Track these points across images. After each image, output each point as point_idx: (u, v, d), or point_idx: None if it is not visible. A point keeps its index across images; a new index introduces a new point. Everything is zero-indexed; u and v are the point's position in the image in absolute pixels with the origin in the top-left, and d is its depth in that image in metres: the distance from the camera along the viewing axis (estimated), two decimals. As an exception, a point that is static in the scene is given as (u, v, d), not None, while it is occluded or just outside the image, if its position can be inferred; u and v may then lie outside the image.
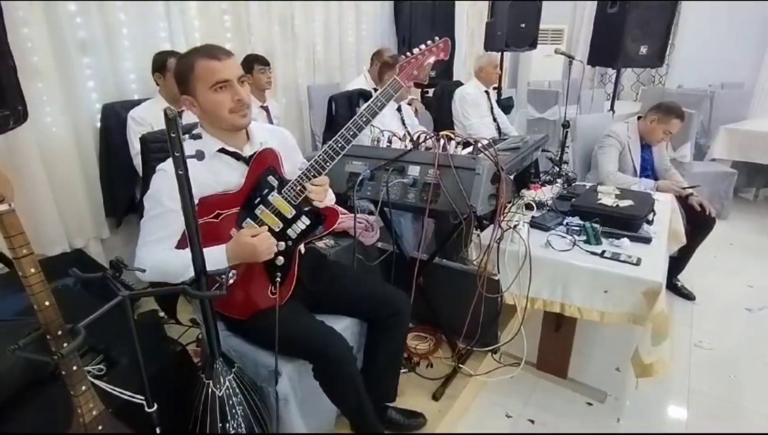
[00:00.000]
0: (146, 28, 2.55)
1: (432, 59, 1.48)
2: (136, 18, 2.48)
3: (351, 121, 1.36)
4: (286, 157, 1.43)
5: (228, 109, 1.25)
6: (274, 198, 1.32)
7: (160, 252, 1.26)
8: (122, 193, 2.47)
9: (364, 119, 1.37)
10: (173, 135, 0.96)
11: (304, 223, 1.35)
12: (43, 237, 2.18)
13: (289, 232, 1.35)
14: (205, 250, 1.21)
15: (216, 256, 1.23)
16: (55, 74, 2.15)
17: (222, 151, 1.32)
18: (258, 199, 1.32)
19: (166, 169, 1.27)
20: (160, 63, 2.35)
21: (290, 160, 1.45)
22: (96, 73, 2.38)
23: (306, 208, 1.35)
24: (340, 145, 1.35)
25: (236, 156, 1.34)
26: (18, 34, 1.96)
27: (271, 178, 1.34)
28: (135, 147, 2.32)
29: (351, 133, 1.35)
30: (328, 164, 1.34)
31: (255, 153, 1.34)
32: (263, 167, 1.34)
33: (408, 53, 1.45)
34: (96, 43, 2.34)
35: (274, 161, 1.37)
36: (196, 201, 1.24)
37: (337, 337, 1.36)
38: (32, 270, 0.85)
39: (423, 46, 1.46)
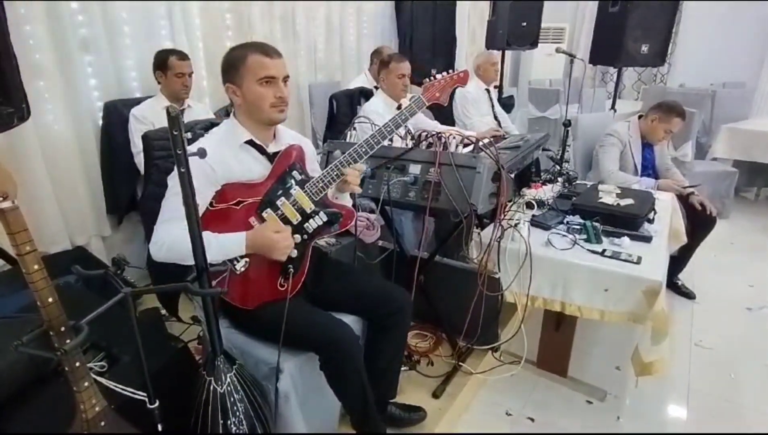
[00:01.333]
0: (148, 27, 2.55)
1: (453, 85, 1.63)
2: (137, 16, 2.49)
3: (377, 130, 1.48)
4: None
5: (269, 103, 1.33)
6: (297, 192, 1.36)
7: (177, 229, 1.26)
8: (123, 191, 2.48)
9: (389, 129, 1.48)
10: (175, 133, 0.96)
11: (321, 219, 1.39)
12: (44, 234, 2.19)
13: (306, 226, 1.38)
14: (225, 235, 1.28)
15: (236, 242, 1.28)
16: (57, 72, 2.16)
17: (249, 142, 1.38)
18: (280, 192, 1.36)
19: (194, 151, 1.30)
20: (161, 61, 2.36)
21: (308, 168, 1.49)
22: (97, 71, 2.38)
23: (325, 206, 1.40)
24: (364, 150, 1.44)
25: (261, 150, 1.40)
26: (20, 31, 1.96)
27: (295, 173, 1.39)
28: (137, 145, 2.33)
29: (375, 140, 1.46)
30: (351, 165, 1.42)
31: (280, 150, 1.42)
32: (289, 161, 1.40)
33: (433, 77, 1.60)
34: (98, 41, 2.34)
35: (300, 157, 1.43)
36: (219, 186, 1.32)
37: (346, 327, 1.39)
38: (36, 266, 0.86)
39: (445, 73, 1.61)
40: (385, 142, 1.85)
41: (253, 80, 1.30)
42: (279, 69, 1.33)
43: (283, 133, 1.49)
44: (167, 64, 2.34)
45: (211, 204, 1.33)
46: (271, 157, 1.41)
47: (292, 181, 1.38)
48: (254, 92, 1.31)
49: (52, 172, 2.19)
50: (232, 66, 1.32)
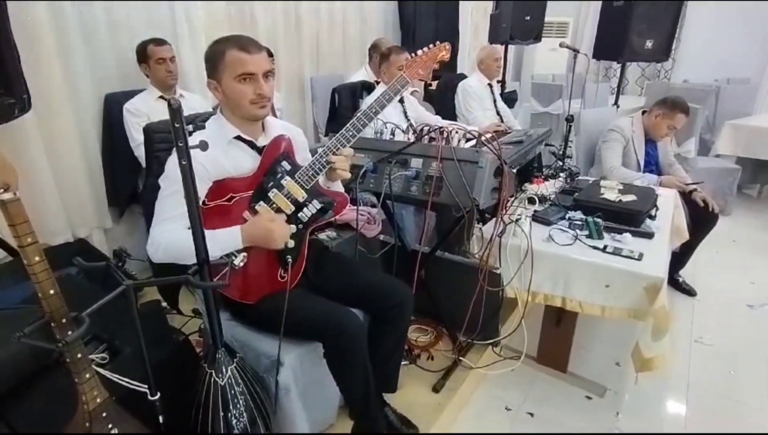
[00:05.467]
0: (149, 19, 2.54)
1: (435, 60, 1.57)
2: (139, 8, 2.48)
3: (362, 112, 1.43)
4: (295, 153, 1.47)
5: (249, 100, 1.30)
6: (287, 182, 1.35)
7: (174, 230, 1.27)
8: (125, 183, 2.48)
9: (374, 110, 1.44)
10: (177, 125, 0.96)
11: (315, 207, 1.39)
12: (46, 226, 2.19)
13: (301, 215, 1.38)
14: (220, 230, 1.28)
15: (231, 236, 1.28)
16: (58, 63, 2.15)
17: (238, 138, 1.37)
18: (271, 183, 1.36)
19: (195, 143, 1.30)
20: (141, 53, 2.37)
21: (299, 158, 1.48)
22: (99, 63, 2.37)
23: (318, 193, 1.39)
24: (351, 133, 1.41)
25: (251, 144, 1.39)
26: (21, 23, 1.95)
27: (284, 163, 1.38)
28: (135, 138, 2.33)
29: (362, 122, 1.42)
30: (339, 151, 1.40)
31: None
32: (277, 152, 1.39)
33: (414, 54, 1.54)
34: (99, 33, 2.33)
35: (288, 147, 1.42)
36: (210, 183, 1.31)
37: (352, 314, 1.39)
38: (37, 258, 0.85)
39: (426, 48, 1.54)
40: (387, 136, 1.86)
41: (231, 77, 1.27)
42: (258, 65, 1.28)
43: (272, 124, 1.47)
44: (147, 53, 2.34)
45: (203, 202, 1.32)
46: (261, 151, 1.39)
47: (282, 172, 1.37)
48: (233, 89, 1.29)
49: (54, 163, 2.19)
50: (212, 61, 1.30)
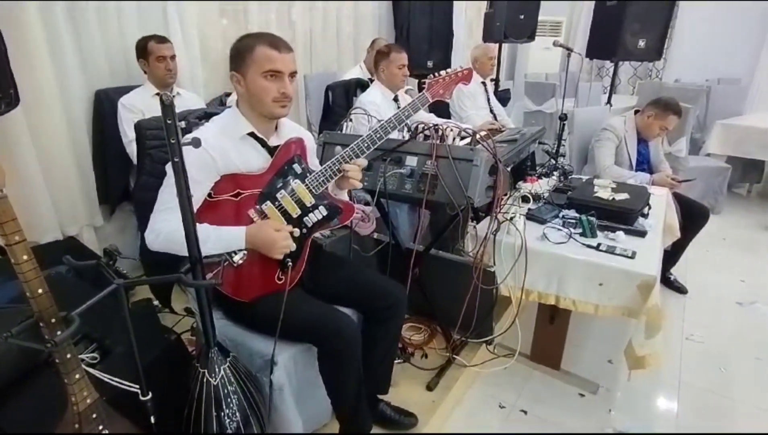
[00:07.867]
0: (141, 14, 2.51)
1: (457, 82, 1.64)
2: (130, 4, 2.45)
3: (379, 125, 1.45)
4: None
5: (272, 98, 1.30)
6: (297, 185, 1.35)
7: (176, 220, 1.25)
8: (116, 181, 2.45)
9: (392, 125, 1.46)
10: (169, 121, 0.94)
11: (321, 213, 1.38)
12: (35, 224, 2.15)
13: (306, 220, 1.38)
14: (225, 228, 1.28)
15: (235, 236, 1.28)
16: (48, 58, 2.11)
17: (251, 135, 1.36)
18: (280, 185, 1.35)
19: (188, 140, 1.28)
20: (141, 48, 2.34)
21: (308, 162, 1.47)
22: (89, 59, 2.34)
23: (325, 200, 1.39)
24: (366, 144, 1.42)
25: (262, 142, 1.38)
26: (9, 17, 1.92)
27: (296, 166, 1.38)
28: (128, 134, 2.30)
29: (378, 135, 1.44)
30: (352, 160, 1.41)
31: (281, 144, 1.40)
32: (290, 154, 1.39)
33: (436, 74, 1.62)
34: (89, 28, 2.30)
35: (301, 150, 1.41)
36: (218, 176, 1.30)
37: (349, 318, 1.39)
38: (25, 257, 0.84)
39: (449, 70, 1.62)
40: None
41: (257, 72, 1.28)
42: (286, 64, 1.29)
43: (286, 125, 1.47)
44: (147, 50, 2.32)
45: (209, 195, 1.31)
46: (271, 151, 1.39)
47: (293, 174, 1.36)
48: (257, 85, 1.29)
49: (43, 160, 2.15)
50: (239, 55, 1.30)
